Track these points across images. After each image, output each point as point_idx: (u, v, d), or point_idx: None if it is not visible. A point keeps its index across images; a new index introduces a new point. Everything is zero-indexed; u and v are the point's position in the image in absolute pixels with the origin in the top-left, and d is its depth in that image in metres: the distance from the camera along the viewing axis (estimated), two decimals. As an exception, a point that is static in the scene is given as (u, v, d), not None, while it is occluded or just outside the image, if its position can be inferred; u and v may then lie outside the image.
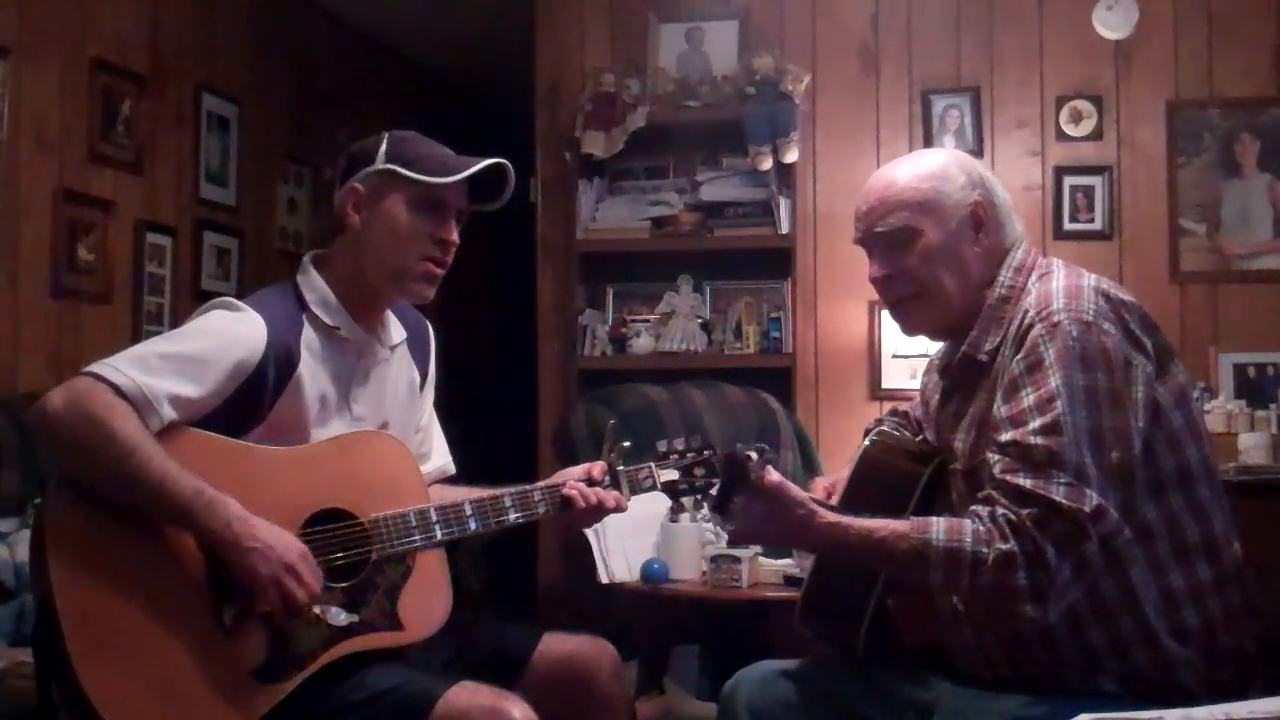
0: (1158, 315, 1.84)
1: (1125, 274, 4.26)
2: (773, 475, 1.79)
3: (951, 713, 1.80)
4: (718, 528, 3.26)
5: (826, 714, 1.96)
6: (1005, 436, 1.72)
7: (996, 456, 1.73)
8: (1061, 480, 1.66)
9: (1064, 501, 1.65)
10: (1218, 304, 4.25)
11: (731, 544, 3.11)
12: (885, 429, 2.09)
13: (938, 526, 1.71)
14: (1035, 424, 1.69)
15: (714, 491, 1.85)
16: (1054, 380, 1.70)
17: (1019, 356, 1.75)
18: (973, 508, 1.73)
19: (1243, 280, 4.25)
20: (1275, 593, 1.87)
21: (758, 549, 3.24)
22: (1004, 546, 1.66)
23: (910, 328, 1.98)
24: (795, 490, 1.81)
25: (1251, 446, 3.73)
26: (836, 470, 2.18)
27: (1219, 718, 1.33)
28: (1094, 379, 1.70)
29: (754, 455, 1.78)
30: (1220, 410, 3.80)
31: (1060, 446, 1.67)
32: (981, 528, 1.69)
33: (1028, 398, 1.72)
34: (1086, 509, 1.65)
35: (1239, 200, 4.25)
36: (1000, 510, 1.68)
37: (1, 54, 3.66)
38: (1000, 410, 1.75)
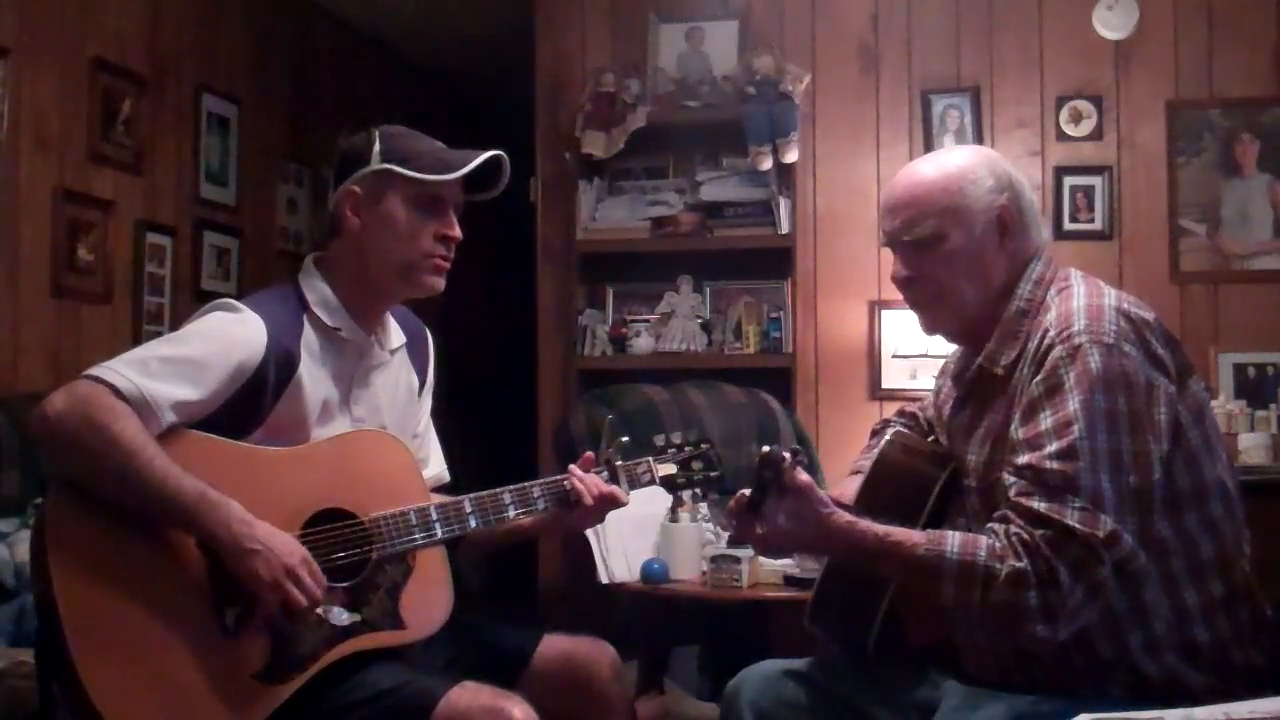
0: (1158, 315, 1.83)
1: (1125, 274, 4.26)
2: (803, 475, 1.79)
3: (956, 709, 1.80)
4: (726, 531, 3.25)
5: (830, 714, 1.96)
6: (1022, 460, 1.71)
7: (1012, 479, 1.72)
8: (1076, 505, 1.65)
9: (1078, 526, 1.64)
10: (1218, 304, 4.25)
11: (733, 542, 3.10)
12: (900, 429, 2.08)
13: (953, 540, 1.71)
14: (1052, 448, 1.68)
15: (747, 493, 1.83)
16: (1072, 404, 1.69)
17: (1038, 378, 1.74)
18: (989, 524, 1.73)
19: (1243, 280, 4.24)
20: (1275, 592, 1.87)
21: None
22: (1017, 564, 1.65)
23: (928, 328, 1.97)
24: (820, 491, 1.81)
25: (1251, 446, 3.74)
26: (839, 478, 2.17)
27: (1219, 718, 1.33)
28: (1115, 402, 1.68)
29: (788, 456, 1.78)
30: (1220, 410, 3.79)
31: (1076, 472, 1.66)
32: (997, 544, 1.68)
33: (1045, 421, 1.71)
34: (1100, 534, 1.64)
35: (1239, 200, 4.25)
36: (1014, 529, 1.68)
37: (1, 54, 3.66)
38: (1018, 433, 1.74)
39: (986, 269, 1.87)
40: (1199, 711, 1.37)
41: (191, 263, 4.56)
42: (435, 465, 2.30)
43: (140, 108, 4.26)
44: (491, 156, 2.06)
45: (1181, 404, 1.74)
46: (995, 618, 1.70)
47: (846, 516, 1.79)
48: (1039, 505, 1.67)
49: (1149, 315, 1.78)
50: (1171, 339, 1.78)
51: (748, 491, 1.83)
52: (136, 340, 4.13)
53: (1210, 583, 1.75)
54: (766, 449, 1.79)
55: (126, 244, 4.21)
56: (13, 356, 3.73)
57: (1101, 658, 1.74)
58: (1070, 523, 1.65)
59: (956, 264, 1.86)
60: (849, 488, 2.04)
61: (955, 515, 1.91)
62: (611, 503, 2.13)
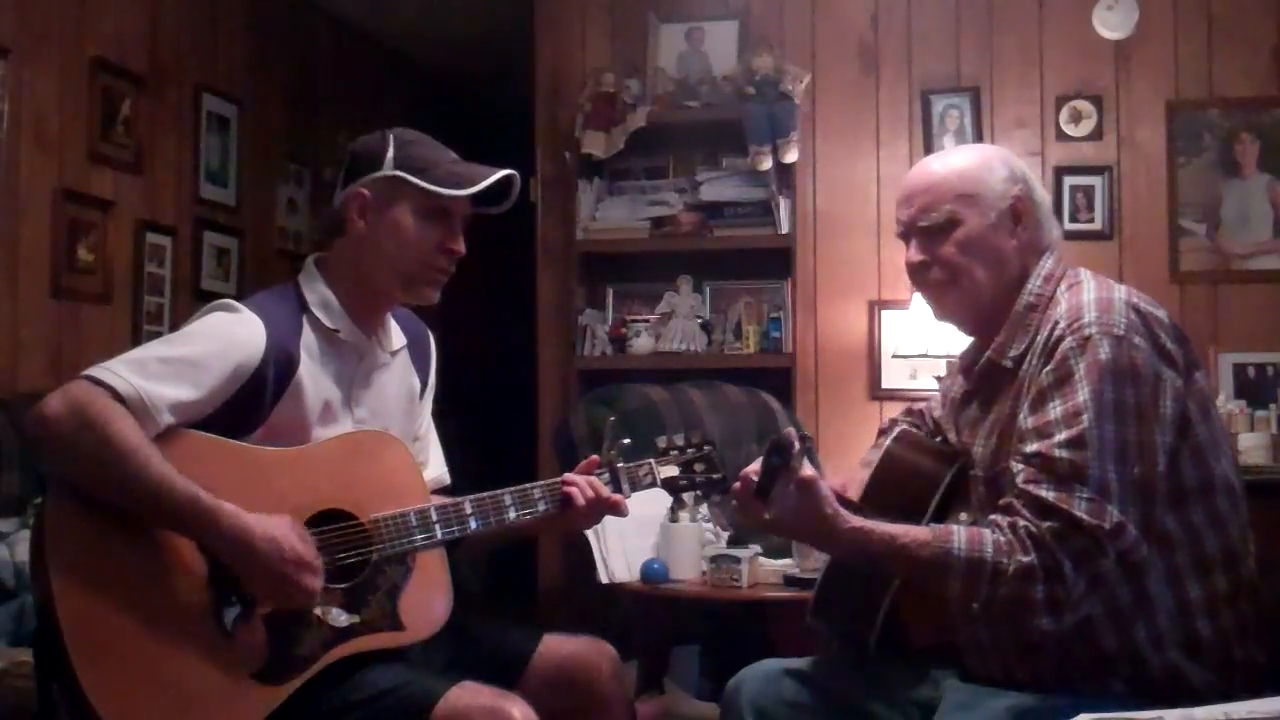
0: (1169, 312, 1.85)
1: (1125, 274, 4.25)
2: (807, 469, 1.77)
3: (956, 707, 1.80)
4: (727, 521, 3.24)
5: (831, 713, 1.96)
6: (1030, 448, 1.72)
7: (1020, 466, 1.73)
8: (1084, 495, 1.66)
9: (1085, 517, 1.65)
10: (1217, 304, 4.25)
11: (734, 533, 3.09)
12: (907, 427, 2.08)
13: (959, 535, 1.71)
14: (1061, 437, 1.70)
15: (755, 476, 1.78)
16: (1082, 394, 1.70)
17: (1048, 368, 1.75)
18: (993, 516, 1.73)
19: (1243, 280, 4.24)
20: (1276, 591, 1.87)
21: (757, 549, 3.24)
22: (1024, 559, 1.66)
23: (940, 313, 1.99)
24: (825, 489, 1.79)
25: (1251, 446, 3.74)
26: (844, 470, 2.17)
27: (1219, 718, 1.33)
28: (1123, 393, 1.70)
29: (797, 443, 1.75)
30: (1220, 410, 3.79)
31: (1085, 461, 1.67)
32: (1003, 538, 1.69)
33: (1055, 410, 1.72)
34: (1106, 526, 1.65)
35: (1239, 200, 4.25)
36: (1021, 522, 1.69)
37: (1, 54, 3.66)
38: (1027, 421, 1.75)
39: (1000, 255, 1.90)
40: (1199, 711, 1.37)
41: (191, 263, 4.56)
42: (435, 467, 2.30)
43: (140, 108, 4.26)
44: (503, 176, 2.06)
45: (1189, 398, 1.76)
46: (1001, 611, 1.71)
47: (852, 521, 1.78)
48: (1047, 494, 1.68)
49: (1159, 312, 1.80)
50: (1181, 335, 1.80)
51: (754, 469, 1.79)
52: (136, 340, 4.13)
53: (1214, 577, 1.76)
54: (777, 436, 1.76)
55: (126, 244, 4.21)
56: (13, 356, 3.73)
57: (1106, 651, 1.74)
58: (1078, 513, 1.66)
59: (971, 248, 1.89)
60: (855, 481, 2.04)
61: (959, 512, 1.92)
62: (611, 509, 2.12)
